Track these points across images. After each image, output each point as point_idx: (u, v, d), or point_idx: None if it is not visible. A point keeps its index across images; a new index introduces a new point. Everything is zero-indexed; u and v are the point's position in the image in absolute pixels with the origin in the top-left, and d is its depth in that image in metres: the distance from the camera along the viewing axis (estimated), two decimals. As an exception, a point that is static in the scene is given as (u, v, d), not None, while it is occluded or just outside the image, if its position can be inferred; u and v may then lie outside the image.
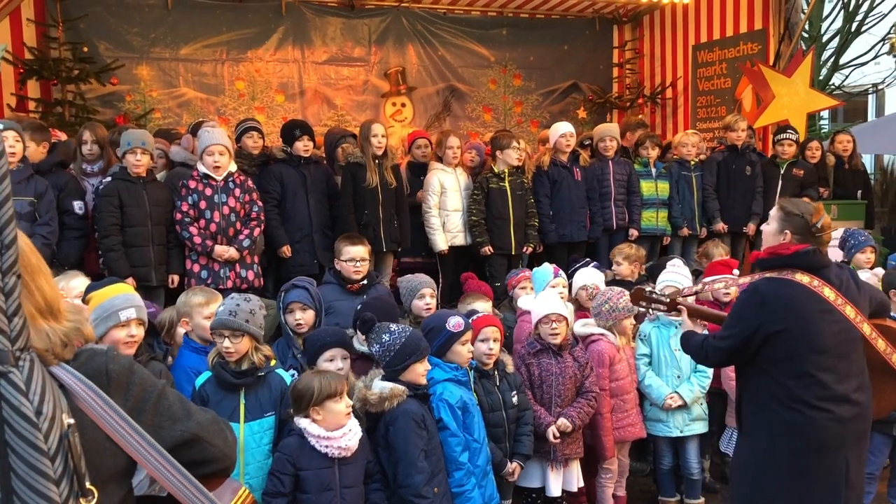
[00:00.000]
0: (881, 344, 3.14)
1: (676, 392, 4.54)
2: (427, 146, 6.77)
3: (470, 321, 3.90)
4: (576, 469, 4.27)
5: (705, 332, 3.55)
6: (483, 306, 4.52)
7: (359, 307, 4.17)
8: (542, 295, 4.44)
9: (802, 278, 3.04)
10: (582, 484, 4.32)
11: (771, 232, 3.23)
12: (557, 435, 4.07)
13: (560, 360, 4.20)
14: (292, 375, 3.62)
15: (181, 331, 4.00)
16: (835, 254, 6.28)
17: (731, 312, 3.25)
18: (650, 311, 3.86)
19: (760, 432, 3.12)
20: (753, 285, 3.16)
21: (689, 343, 3.43)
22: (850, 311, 3.06)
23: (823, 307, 3.02)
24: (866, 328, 3.10)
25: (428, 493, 3.26)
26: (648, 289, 3.70)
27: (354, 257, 4.74)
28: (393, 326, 3.50)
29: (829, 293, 3.03)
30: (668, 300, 3.63)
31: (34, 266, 1.45)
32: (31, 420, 1.29)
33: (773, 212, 3.25)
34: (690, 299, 4.10)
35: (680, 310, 3.60)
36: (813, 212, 3.14)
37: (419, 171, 6.66)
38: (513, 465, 3.96)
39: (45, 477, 1.30)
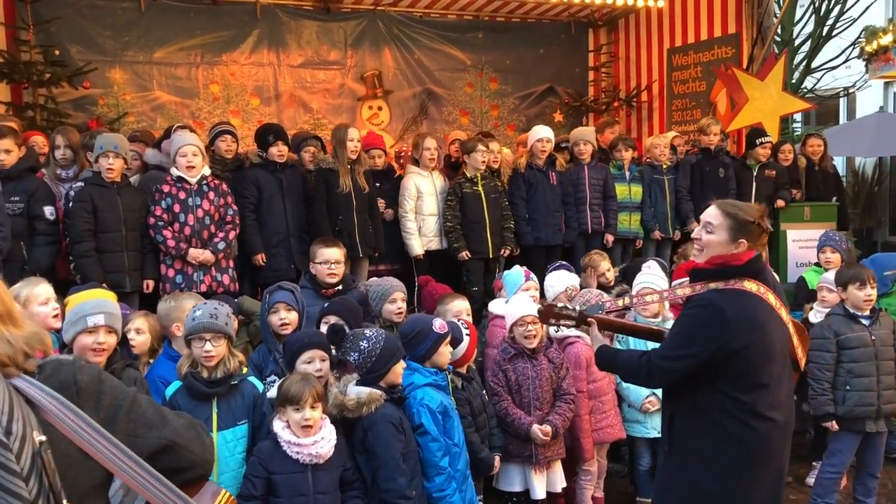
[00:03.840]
0: (795, 340, 3.12)
1: (654, 394, 4.56)
2: (381, 155, 6.62)
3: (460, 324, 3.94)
4: (558, 470, 4.30)
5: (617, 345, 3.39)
6: (461, 305, 4.50)
7: (325, 306, 4.15)
8: (516, 298, 4.44)
9: (750, 286, 2.92)
10: (565, 484, 4.33)
11: (721, 241, 2.95)
12: (548, 432, 4.05)
13: (535, 363, 4.21)
14: (273, 382, 3.58)
15: (138, 339, 3.92)
16: (804, 255, 6.40)
17: (683, 330, 2.97)
18: (559, 327, 3.63)
19: (704, 448, 2.94)
20: (707, 300, 2.92)
21: (617, 360, 3.19)
22: (784, 314, 3.02)
23: (771, 315, 2.94)
24: (791, 327, 3.08)
25: (410, 494, 3.27)
26: (560, 305, 3.47)
27: (329, 259, 4.70)
28: (368, 332, 3.50)
29: (771, 298, 2.96)
30: (576, 314, 3.36)
31: None
32: (0, 441, 1.26)
33: (718, 219, 2.96)
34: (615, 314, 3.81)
35: (590, 323, 3.33)
36: (762, 214, 2.99)
37: (374, 177, 6.38)
38: (496, 459, 4.00)
39: (19, 499, 1.26)
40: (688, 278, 3.19)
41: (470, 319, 4.42)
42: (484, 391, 4.06)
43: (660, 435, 4.53)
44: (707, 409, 2.93)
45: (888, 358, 4.51)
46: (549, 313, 3.41)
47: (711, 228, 2.98)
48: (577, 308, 3.41)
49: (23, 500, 1.26)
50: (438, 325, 3.75)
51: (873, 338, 4.46)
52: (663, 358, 2.97)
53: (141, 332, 4.00)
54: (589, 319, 3.34)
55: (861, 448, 4.53)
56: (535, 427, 4.07)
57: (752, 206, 3.06)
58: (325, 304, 4.21)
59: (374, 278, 4.87)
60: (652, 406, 4.56)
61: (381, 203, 6.39)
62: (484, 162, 6.37)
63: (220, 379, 3.34)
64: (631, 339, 4.40)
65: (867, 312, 4.51)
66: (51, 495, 1.31)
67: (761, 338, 2.88)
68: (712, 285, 2.96)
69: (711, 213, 3.00)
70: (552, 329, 4.10)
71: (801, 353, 3.19)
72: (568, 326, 3.47)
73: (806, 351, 3.25)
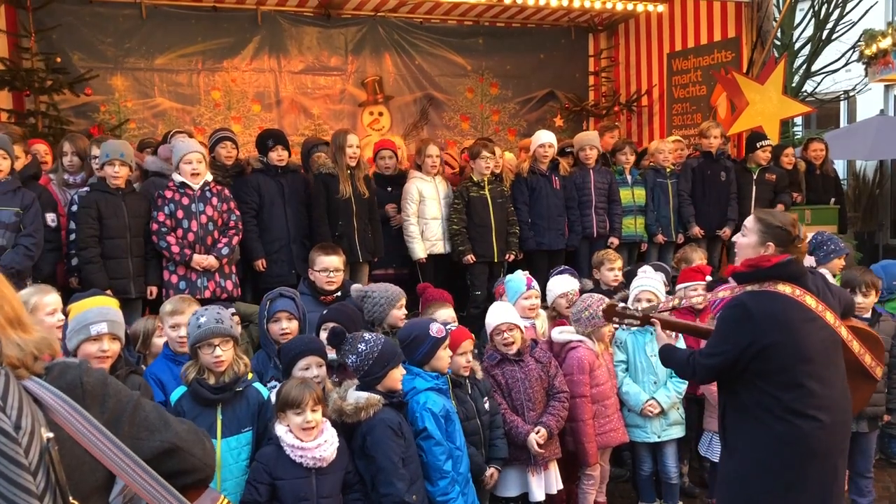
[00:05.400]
0: (856, 346, 3.22)
1: (654, 398, 4.57)
2: (392, 157, 6.66)
3: (448, 328, 3.91)
4: (554, 471, 4.29)
5: (680, 344, 3.56)
6: (446, 314, 4.46)
7: (324, 312, 4.15)
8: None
9: (784, 289, 3.06)
10: (561, 486, 4.32)
11: (750, 244, 3.21)
12: (544, 436, 4.08)
13: (522, 364, 4.23)
14: (272, 388, 3.59)
15: (157, 341, 3.97)
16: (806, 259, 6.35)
17: (718, 329, 3.21)
18: (623, 326, 3.84)
19: (750, 445, 3.10)
20: (738, 301, 3.12)
21: (673, 358, 3.41)
22: (829, 317, 3.10)
23: (808, 316, 3.05)
24: (844, 332, 3.16)
25: (409, 498, 3.27)
26: (621, 305, 3.67)
27: (328, 267, 4.70)
28: (367, 335, 3.51)
29: (810, 301, 3.07)
30: (640, 315, 3.61)
31: None
32: (10, 435, 1.27)
33: (751, 224, 3.22)
34: (668, 313, 4.07)
35: (653, 323, 3.57)
36: (793, 223, 3.18)
37: (384, 182, 6.53)
38: (490, 471, 3.96)
39: (27, 492, 1.28)
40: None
41: (455, 326, 4.40)
42: (486, 398, 4.04)
43: (658, 439, 4.59)
44: (752, 408, 3.09)
45: None
46: (612, 312, 3.65)
47: (745, 232, 3.25)
48: (640, 309, 3.65)
49: (30, 494, 1.27)
50: (436, 329, 3.74)
51: (883, 342, 4.47)
52: (703, 355, 3.20)
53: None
54: (653, 319, 3.56)
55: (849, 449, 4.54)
56: (532, 438, 4.07)
57: (785, 215, 3.28)
58: (325, 311, 4.21)
59: (373, 284, 4.85)
60: (653, 410, 4.56)
61: (391, 208, 6.42)
62: (488, 167, 6.40)
63: (225, 385, 3.32)
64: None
65: (867, 315, 4.54)
66: (57, 491, 1.32)
67: (790, 337, 3.01)
68: (748, 288, 3.14)
69: (748, 220, 3.29)
70: (613, 327, 4.22)
71: (871, 360, 3.26)
72: (633, 326, 3.69)
73: (878, 358, 3.31)
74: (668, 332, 3.56)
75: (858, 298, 4.51)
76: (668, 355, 3.45)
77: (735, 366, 3.08)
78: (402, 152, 7.19)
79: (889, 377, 4.61)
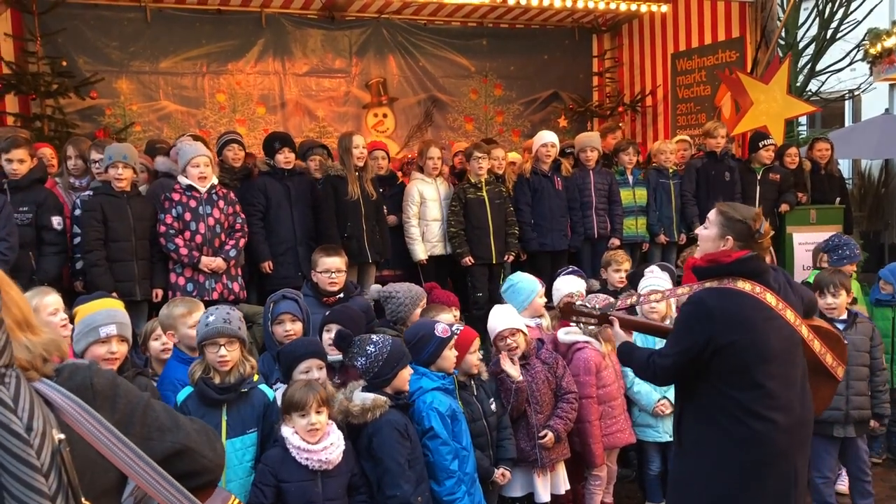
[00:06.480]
0: (817, 345, 3.15)
1: (665, 397, 4.56)
2: (384, 158, 6.65)
3: (455, 328, 3.91)
4: (562, 472, 4.28)
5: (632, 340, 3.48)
6: (446, 317, 4.41)
7: (327, 314, 4.16)
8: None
9: (744, 286, 2.99)
10: (568, 486, 4.31)
11: (711, 237, 3.13)
12: (550, 440, 4.09)
13: (529, 367, 4.21)
14: (277, 390, 3.59)
15: (154, 345, 3.97)
16: (810, 259, 6.33)
17: (676, 327, 3.14)
18: (581, 325, 3.78)
19: (705, 446, 3.03)
20: (697, 298, 3.05)
21: (632, 358, 3.32)
22: (790, 315, 3.04)
23: (768, 314, 2.98)
24: (804, 331, 3.10)
25: (415, 500, 3.27)
26: (579, 302, 3.61)
27: (330, 268, 4.69)
28: (375, 337, 3.51)
29: (770, 299, 3.00)
30: (598, 313, 3.53)
31: (4, 278, 1.43)
32: (21, 437, 1.28)
33: (713, 216, 3.15)
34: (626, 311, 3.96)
35: (612, 321, 3.49)
36: (755, 217, 3.10)
37: (379, 184, 6.38)
38: (500, 471, 3.95)
39: (40, 494, 1.28)
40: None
41: (462, 327, 4.38)
42: (492, 399, 4.04)
43: (671, 439, 4.56)
44: (709, 408, 3.01)
45: (860, 364, 4.46)
46: (570, 311, 3.59)
47: (707, 224, 3.19)
48: (598, 307, 3.56)
49: (42, 496, 1.27)
50: (441, 329, 3.74)
51: (846, 342, 4.45)
52: (661, 356, 3.12)
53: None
54: (611, 318, 3.48)
55: (842, 455, 4.53)
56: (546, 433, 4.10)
57: (748, 209, 3.18)
58: (327, 313, 4.21)
59: (395, 284, 4.83)
60: (665, 409, 4.54)
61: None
62: (482, 168, 6.39)
63: (231, 385, 3.33)
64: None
65: (843, 316, 4.51)
66: (69, 492, 1.32)
67: (751, 336, 2.94)
68: (707, 284, 3.07)
69: (711, 212, 3.20)
70: (573, 326, 4.18)
71: (833, 360, 3.20)
72: (590, 324, 3.62)
73: (840, 357, 3.25)
74: (627, 330, 3.49)
75: (829, 299, 4.46)
76: (627, 355, 3.36)
77: (694, 365, 3.00)
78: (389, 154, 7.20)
79: (871, 381, 4.52)
